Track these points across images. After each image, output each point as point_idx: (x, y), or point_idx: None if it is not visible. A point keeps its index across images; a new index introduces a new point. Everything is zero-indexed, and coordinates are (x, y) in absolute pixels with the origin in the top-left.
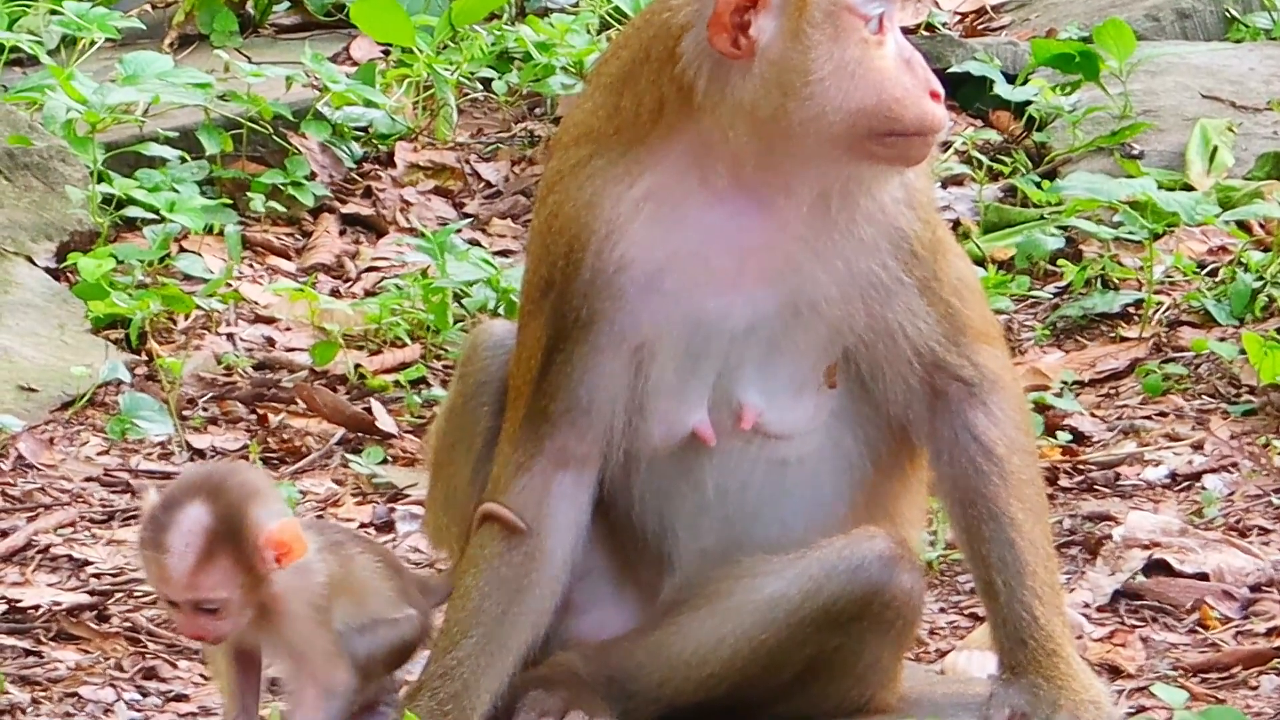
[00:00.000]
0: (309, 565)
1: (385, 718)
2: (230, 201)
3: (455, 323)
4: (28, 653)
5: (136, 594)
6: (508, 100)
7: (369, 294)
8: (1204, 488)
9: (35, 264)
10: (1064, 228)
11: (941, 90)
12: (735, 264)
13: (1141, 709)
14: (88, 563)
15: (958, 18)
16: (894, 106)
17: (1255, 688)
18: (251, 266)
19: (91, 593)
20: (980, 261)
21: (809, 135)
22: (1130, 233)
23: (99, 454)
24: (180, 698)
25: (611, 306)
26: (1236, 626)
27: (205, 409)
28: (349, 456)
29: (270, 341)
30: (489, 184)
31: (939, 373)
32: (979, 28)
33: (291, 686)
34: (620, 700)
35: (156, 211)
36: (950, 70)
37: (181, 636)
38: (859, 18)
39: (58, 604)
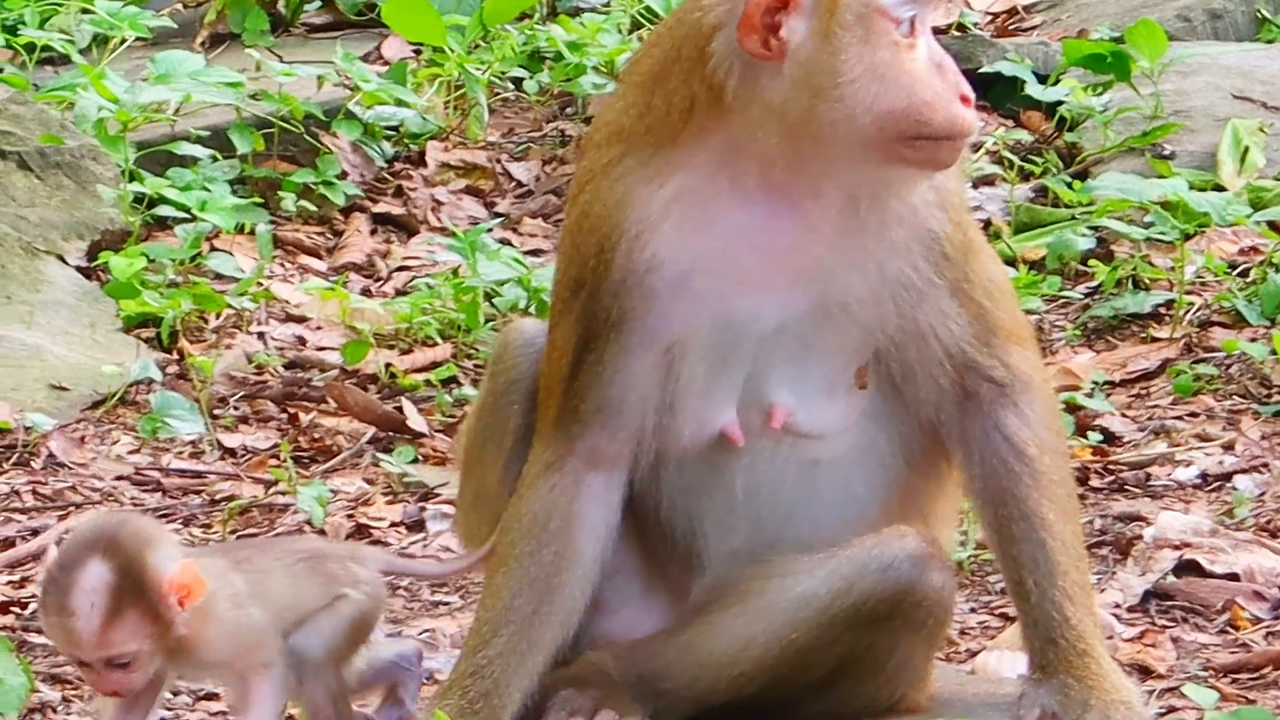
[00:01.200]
0: (212, 596)
1: (403, 707)
2: (261, 200)
3: (486, 322)
4: (58, 652)
5: None
6: (539, 100)
7: (400, 293)
8: (1235, 488)
9: (67, 263)
10: (1095, 228)
11: (972, 94)
12: (765, 265)
13: (1172, 709)
14: None
15: (989, 18)
16: (924, 110)
17: None
18: (283, 265)
19: None
20: (1011, 262)
21: (838, 137)
22: (1161, 233)
23: (130, 453)
24: (210, 696)
25: (642, 306)
26: (1267, 627)
27: (236, 408)
28: (380, 455)
29: (301, 340)
30: (520, 183)
31: (970, 374)
32: (1010, 28)
33: (229, 694)
34: (651, 699)
35: (188, 210)
36: (981, 70)
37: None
38: (890, 20)
39: None
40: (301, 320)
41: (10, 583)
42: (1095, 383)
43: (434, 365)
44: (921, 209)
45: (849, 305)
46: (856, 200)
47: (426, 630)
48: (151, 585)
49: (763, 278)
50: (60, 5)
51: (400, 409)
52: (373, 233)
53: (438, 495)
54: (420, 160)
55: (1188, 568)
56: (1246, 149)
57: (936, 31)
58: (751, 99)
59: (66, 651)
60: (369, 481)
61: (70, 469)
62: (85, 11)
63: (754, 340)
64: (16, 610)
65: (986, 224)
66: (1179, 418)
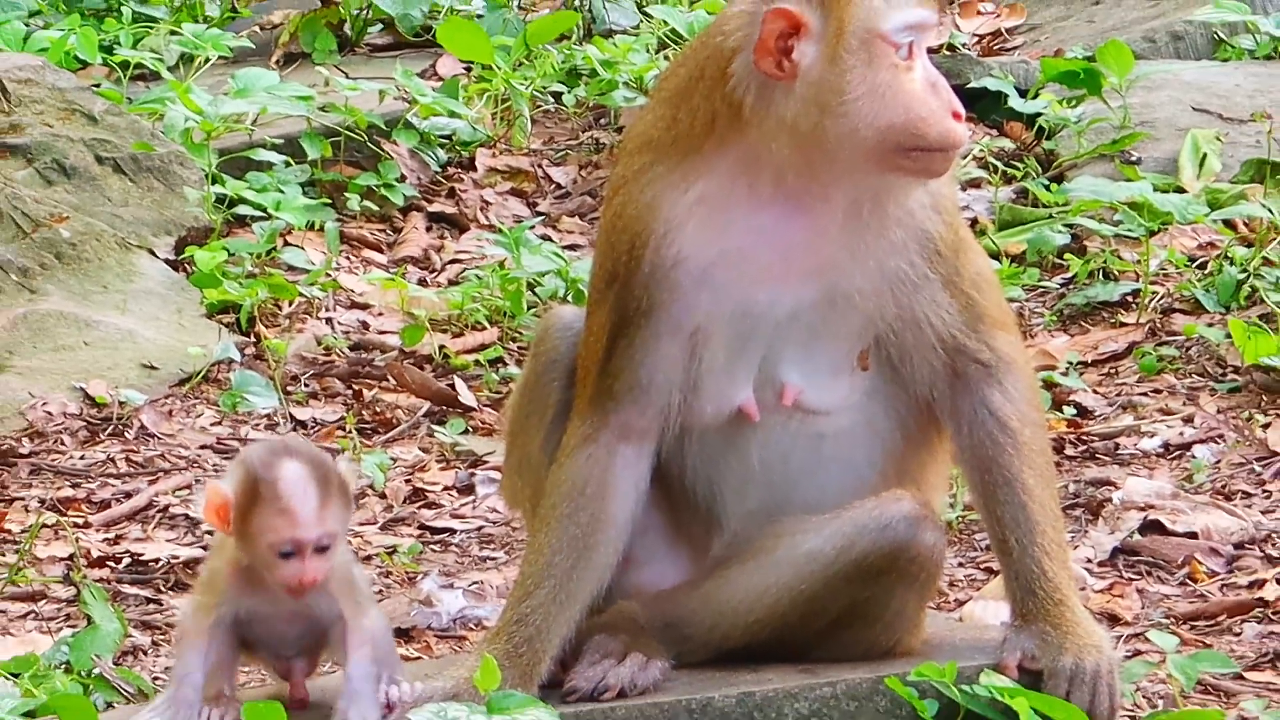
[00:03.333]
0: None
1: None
2: (329, 201)
3: (529, 309)
4: (148, 600)
5: None
6: (576, 112)
7: (452, 283)
8: (1194, 456)
9: (156, 256)
10: (1070, 225)
11: (963, 111)
12: (779, 261)
13: (1137, 653)
14: (201, 521)
15: (976, 39)
16: (919, 125)
17: (1238, 634)
18: (348, 259)
19: (204, 547)
20: (995, 255)
21: (844, 149)
22: (1129, 230)
23: (212, 424)
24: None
25: (669, 297)
26: (1222, 580)
27: (307, 385)
28: (434, 427)
29: (365, 325)
30: (559, 186)
31: (960, 356)
32: (995, 48)
33: (335, 648)
34: (675, 644)
35: (264, 210)
36: (969, 86)
37: (286, 591)
38: (890, 45)
39: (175, 557)
40: (365, 307)
41: (106, 539)
42: (1070, 363)
43: (482, 347)
44: (918, 211)
45: (853, 297)
46: (860, 204)
47: (475, 582)
48: (339, 477)
49: (776, 272)
50: (151, 28)
51: (452, 386)
52: (428, 229)
53: (486, 462)
54: (470, 165)
55: (1152, 527)
56: (1205, 155)
57: (930, 52)
58: (766, 114)
59: (286, 536)
60: (424, 450)
61: (159, 439)
62: (173, 33)
63: (768, 327)
64: (111, 564)
65: (974, 222)
66: (1144, 394)
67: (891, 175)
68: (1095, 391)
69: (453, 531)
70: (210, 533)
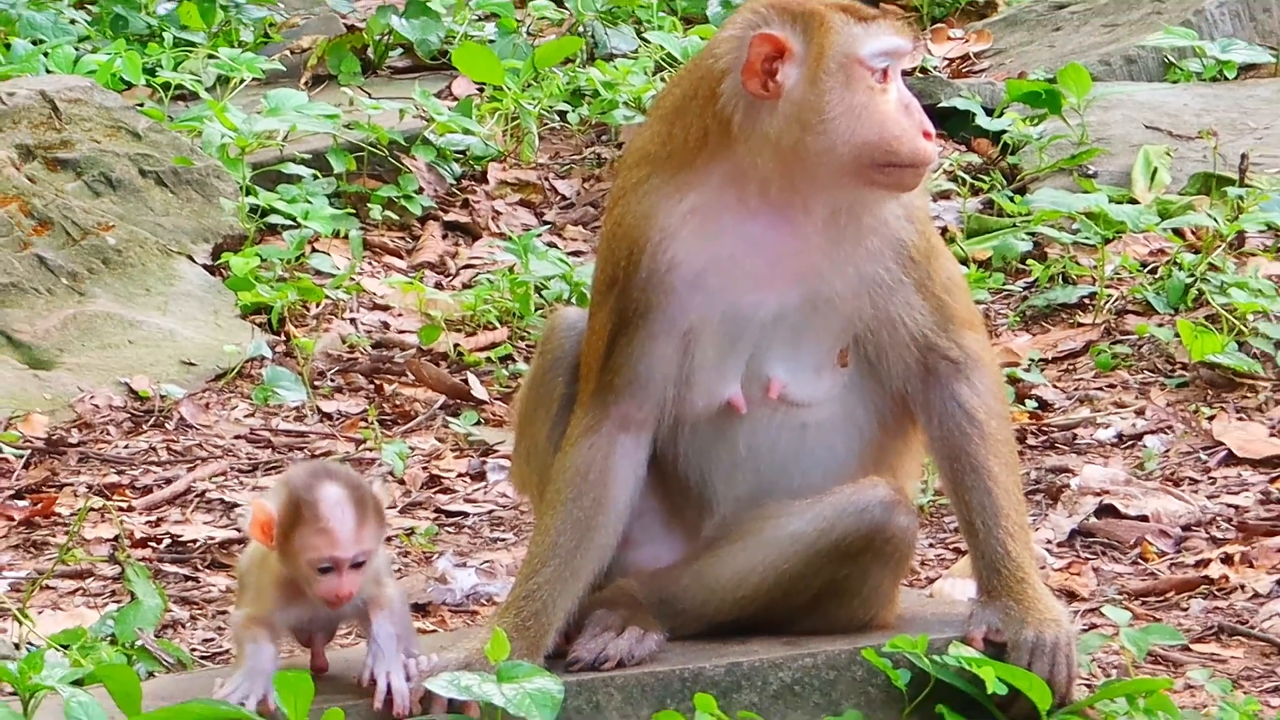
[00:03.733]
0: None
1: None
2: (353, 211)
3: (536, 310)
4: (187, 578)
5: None
6: (580, 129)
7: (466, 286)
8: (1145, 446)
9: (195, 261)
10: (1032, 234)
11: (933, 130)
12: (765, 267)
13: (1093, 626)
14: (236, 505)
15: (946, 62)
16: (893, 143)
17: (1186, 609)
18: (370, 264)
19: (239, 529)
20: (964, 261)
21: (823, 164)
22: (1086, 238)
23: (246, 416)
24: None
25: (664, 300)
26: (1171, 559)
27: (332, 380)
28: (449, 419)
29: (385, 325)
30: (564, 197)
31: (931, 354)
32: (964, 70)
33: (360, 619)
34: (669, 618)
35: (293, 219)
36: (940, 105)
37: (326, 606)
38: (867, 69)
39: (211, 539)
40: (386, 309)
41: (149, 522)
42: (1032, 360)
43: (493, 345)
44: (892, 221)
45: (833, 300)
46: (838, 215)
47: (486, 561)
48: (374, 499)
49: (763, 277)
50: (190, 52)
51: (466, 381)
52: (444, 237)
53: (496, 451)
54: (483, 178)
55: (1106, 511)
56: (1156, 170)
57: (904, 74)
58: (753, 131)
59: (326, 554)
60: (440, 440)
61: (197, 430)
62: (211, 57)
63: (755, 327)
64: (153, 544)
65: (944, 230)
66: (1100, 389)
67: (867, 189)
68: (1055, 386)
69: (466, 515)
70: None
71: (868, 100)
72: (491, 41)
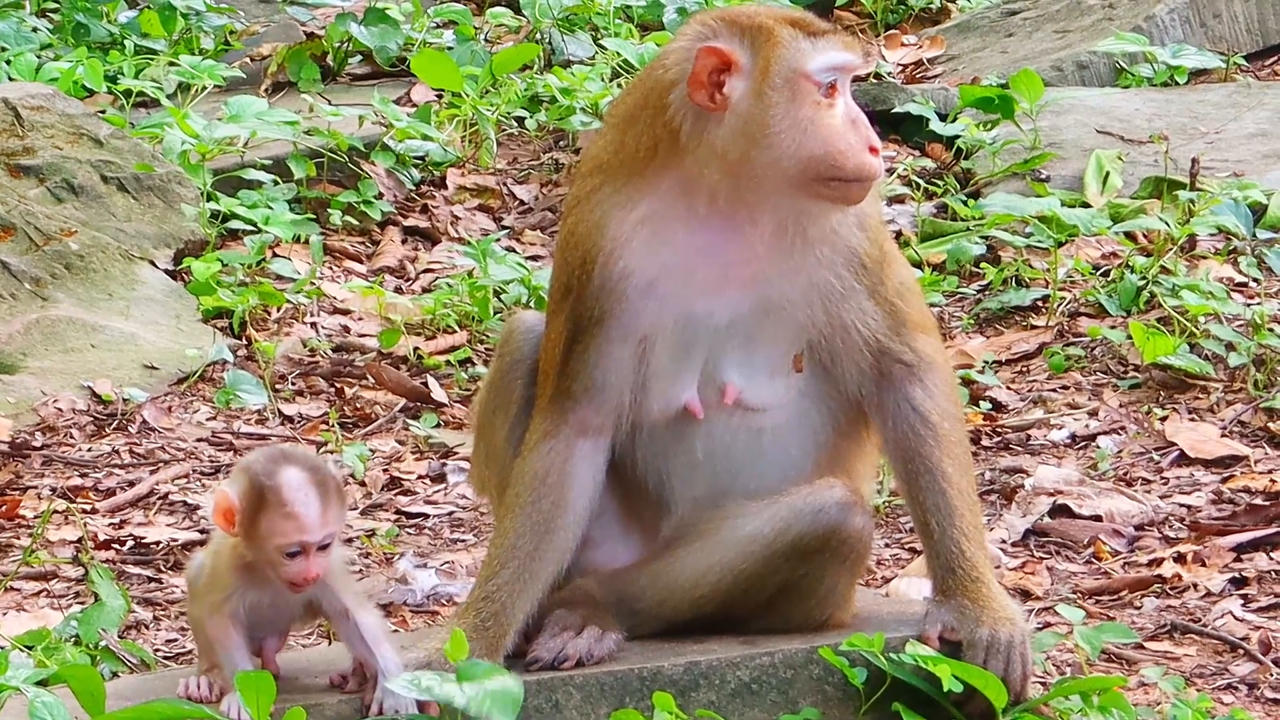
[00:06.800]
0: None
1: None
2: (313, 216)
3: (495, 314)
4: (150, 580)
5: None
6: (537, 135)
7: (425, 290)
8: (1098, 446)
9: (157, 266)
10: (986, 237)
11: (880, 146)
12: (716, 275)
13: (1047, 624)
14: (198, 507)
15: (900, 68)
16: (838, 157)
17: (1139, 607)
18: (331, 269)
19: (201, 531)
20: (918, 265)
21: (768, 176)
22: (1039, 241)
23: (208, 419)
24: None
25: (618, 307)
26: (1124, 558)
27: (293, 383)
28: (409, 421)
29: (346, 329)
30: (522, 202)
31: (885, 358)
32: (917, 76)
33: (340, 625)
34: (628, 617)
35: (254, 224)
36: (894, 111)
37: (291, 589)
38: (813, 84)
39: (174, 540)
40: (346, 313)
41: (112, 524)
42: (986, 362)
43: (453, 349)
44: (843, 230)
45: (784, 306)
46: (785, 225)
47: (447, 562)
48: (335, 480)
49: (714, 284)
50: (152, 59)
51: (426, 384)
52: (403, 242)
53: (456, 453)
54: (442, 184)
55: (1060, 510)
56: (1108, 174)
57: (858, 80)
58: (700, 142)
59: (295, 538)
60: (400, 442)
61: (159, 433)
62: (172, 64)
63: (709, 334)
64: (116, 546)
65: (898, 234)
66: (1053, 390)
67: (812, 201)
68: (1009, 388)
69: (426, 516)
70: (206, 517)
71: (813, 115)
72: (450, 48)
